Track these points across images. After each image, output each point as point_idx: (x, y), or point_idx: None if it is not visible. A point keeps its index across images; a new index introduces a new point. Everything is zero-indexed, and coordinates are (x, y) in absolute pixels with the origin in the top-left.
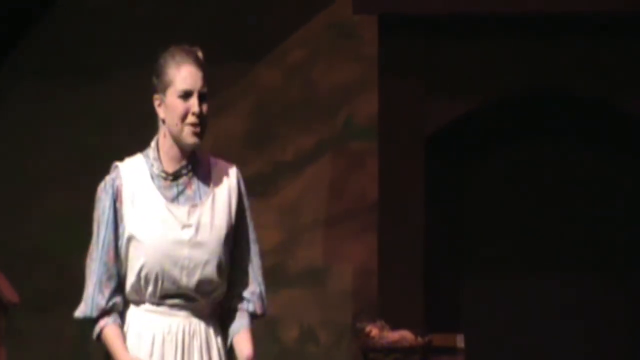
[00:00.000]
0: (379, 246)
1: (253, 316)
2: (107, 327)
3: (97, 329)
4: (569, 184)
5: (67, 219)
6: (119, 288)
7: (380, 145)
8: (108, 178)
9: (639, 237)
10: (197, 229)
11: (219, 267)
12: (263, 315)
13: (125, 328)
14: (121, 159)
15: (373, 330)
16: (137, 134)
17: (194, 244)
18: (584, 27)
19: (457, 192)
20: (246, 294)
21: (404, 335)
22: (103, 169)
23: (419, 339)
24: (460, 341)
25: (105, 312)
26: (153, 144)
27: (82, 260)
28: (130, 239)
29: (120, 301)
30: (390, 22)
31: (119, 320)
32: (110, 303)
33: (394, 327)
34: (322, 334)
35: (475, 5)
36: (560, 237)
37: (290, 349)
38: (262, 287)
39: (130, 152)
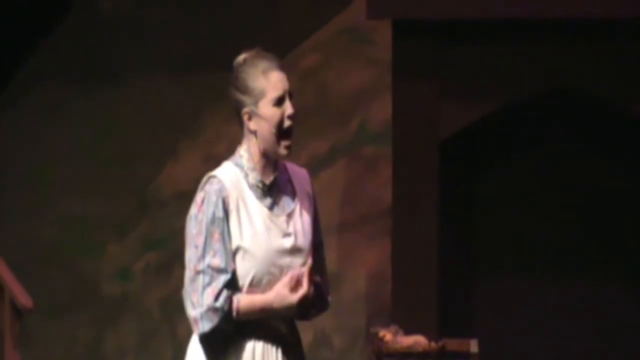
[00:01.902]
0: (393, 251)
1: (323, 305)
2: (237, 301)
3: (234, 314)
4: (582, 189)
5: (81, 224)
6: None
7: (394, 151)
8: (212, 190)
9: None
10: (295, 237)
11: (313, 269)
12: (327, 305)
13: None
14: (138, 164)
15: (387, 335)
16: (151, 138)
17: (294, 251)
18: (597, 31)
19: (471, 197)
20: (324, 289)
21: (417, 340)
22: (117, 175)
23: (433, 344)
24: (474, 346)
25: (230, 300)
26: (245, 153)
27: (95, 265)
28: (238, 250)
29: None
30: (403, 27)
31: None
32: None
33: (408, 332)
34: (336, 338)
35: (488, 10)
36: (573, 241)
37: (305, 354)
38: (328, 285)
39: (146, 157)
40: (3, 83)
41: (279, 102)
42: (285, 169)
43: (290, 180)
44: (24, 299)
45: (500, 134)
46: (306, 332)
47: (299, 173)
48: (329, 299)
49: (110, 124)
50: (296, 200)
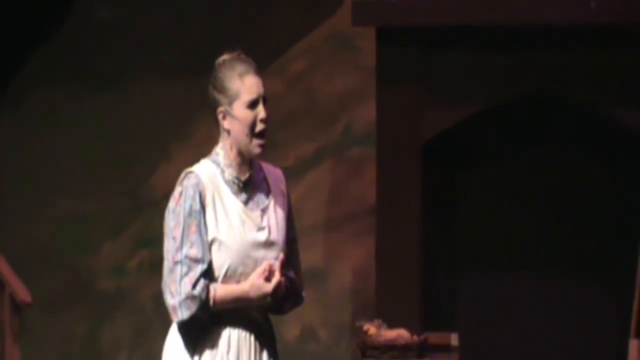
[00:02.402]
0: (377, 248)
1: (297, 299)
2: (214, 290)
3: (210, 302)
4: (559, 188)
5: (78, 222)
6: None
7: (378, 152)
8: (189, 184)
9: (626, 240)
10: (269, 231)
11: (287, 264)
12: (302, 300)
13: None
14: (132, 166)
15: (371, 328)
16: (145, 140)
17: (268, 244)
18: (575, 37)
19: (453, 197)
20: (297, 283)
21: (400, 334)
22: (112, 175)
23: (415, 337)
24: (454, 340)
25: (207, 289)
26: (220, 151)
27: (91, 262)
28: (213, 242)
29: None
30: (388, 33)
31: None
32: (205, 286)
33: (391, 325)
34: (322, 332)
35: (468, 17)
36: (551, 240)
37: (292, 348)
38: (302, 280)
39: (139, 158)
40: (2, 86)
41: (253, 105)
42: (261, 168)
43: (265, 179)
44: (23, 294)
45: (480, 136)
46: (294, 326)
47: (273, 172)
48: (304, 294)
49: (106, 126)
50: (270, 197)
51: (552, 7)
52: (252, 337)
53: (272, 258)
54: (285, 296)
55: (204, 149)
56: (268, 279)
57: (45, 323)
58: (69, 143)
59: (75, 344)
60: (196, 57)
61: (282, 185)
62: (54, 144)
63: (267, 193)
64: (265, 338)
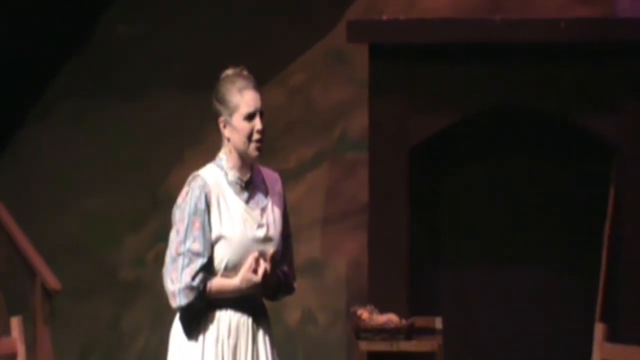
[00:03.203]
0: (369, 242)
1: (289, 288)
2: (210, 282)
3: (207, 292)
4: (532, 189)
5: (102, 219)
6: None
7: (370, 156)
8: (196, 185)
9: (592, 234)
10: (267, 228)
11: (282, 258)
12: (293, 289)
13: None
14: (150, 168)
15: (364, 313)
16: (163, 146)
17: (266, 240)
18: (545, 54)
19: (436, 196)
20: (289, 275)
21: (390, 318)
22: (133, 177)
23: (403, 321)
24: (438, 323)
25: (205, 281)
26: (223, 156)
27: (114, 254)
28: (218, 238)
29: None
30: (379, 49)
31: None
32: (203, 278)
33: (382, 310)
34: (320, 316)
35: (450, 36)
36: (523, 235)
37: (293, 330)
38: (294, 273)
39: (157, 162)
40: (36, 97)
41: (250, 117)
42: (260, 171)
43: (263, 181)
44: (53, 283)
45: (462, 141)
46: (295, 311)
47: (270, 175)
48: (295, 285)
49: (127, 133)
50: (268, 197)
51: (525, 27)
52: (250, 321)
53: (270, 252)
54: (278, 287)
55: (214, 154)
56: (255, 270)
57: (73, 309)
58: (94, 148)
59: (100, 327)
60: (207, 71)
61: (279, 187)
62: (82, 148)
63: (266, 193)
64: (260, 322)
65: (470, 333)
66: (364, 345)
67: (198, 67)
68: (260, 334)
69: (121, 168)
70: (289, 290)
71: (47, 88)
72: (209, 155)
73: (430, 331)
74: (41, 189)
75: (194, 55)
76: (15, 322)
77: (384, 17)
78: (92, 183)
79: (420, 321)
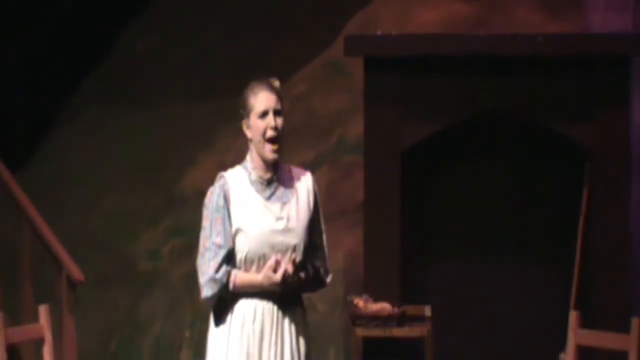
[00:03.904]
0: (365, 237)
1: (319, 282)
2: (234, 275)
3: (230, 285)
4: (513, 189)
5: (121, 216)
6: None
7: (366, 159)
8: (217, 185)
9: (568, 230)
10: (287, 220)
11: (303, 249)
12: (325, 283)
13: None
14: (165, 170)
15: (360, 302)
16: (177, 149)
17: (285, 231)
18: (525, 66)
19: (425, 196)
20: (320, 269)
21: (383, 306)
22: (149, 177)
23: (396, 309)
24: (428, 311)
25: (228, 273)
26: (248, 157)
27: (132, 248)
28: (237, 231)
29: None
30: (373, 62)
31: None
32: (226, 271)
33: (376, 299)
34: (320, 305)
35: (438, 50)
36: (505, 230)
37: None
38: (329, 267)
39: (171, 164)
40: (62, 104)
41: (263, 115)
42: (289, 170)
43: (292, 179)
44: (77, 274)
45: (449, 146)
46: None
47: (302, 173)
48: (328, 279)
49: (144, 137)
50: (294, 193)
51: (506, 41)
52: (275, 308)
53: (291, 242)
54: (304, 282)
55: (223, 157)
56: (276, 270)
57: (95, 298)
58: (115, 150)
59: (120, 314)
60: (217, 82)
61: (308, 184)
62: (103, 152)
63: (292, 190)
64: (287, 309)
65: (456, 320)
66: (360, 331)
67: (209, 79)
68: (287, 321)
69: (139, 170)
70: (320, 283)
71: (72, 97)
72: (218, 157)
73: (420, 318)
74: (67, 189)
75: (205, 67)
76: (42, 310)
77: (378, 33)
78: (113, 183)
79: (410, 309)
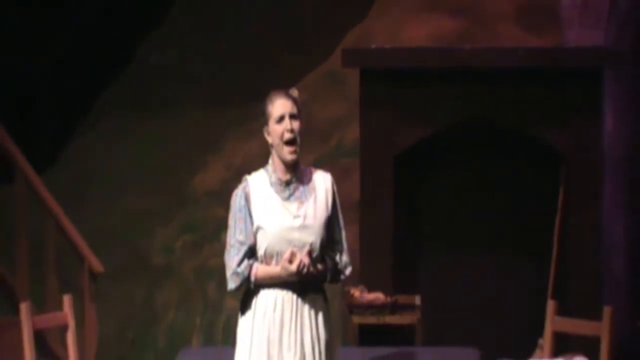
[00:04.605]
0: (361, 233)
1: (337, 273)
2: (256, 268)
3: (252, 278)
4: (496, 188)
5: (138, 213)
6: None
7: (362, 161)
8: (240, 187)
9: (547, 225)
10: (304, 218)
11: (320, 245)
12: (343, 275)
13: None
14: (178, 171)
15: (356, 292)
16: (189, 153)
17: (302, 228)
18: (506, 76)
19: (416, 195)
20: (339, 262)
21: (377, 296)
22: (164, 178)
23: (388, 298)
24: (417, 300)
25: (250, 267)
26: (270, 161)
27: (148, 243)
28: (258, 228)
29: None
30: (368, 73)
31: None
32: (248, 265)
33: (371, 290)
34: None
35: (428, 61)
36: (489, 227)
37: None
38: (348, 260)
39: (184, 166)
40: (84, 112)
41: (280, 120)
42: (310, 172)
43: (312, 180)
44: (97, 266)
45: (439, 149)
46: None
47: (322, 175)
48: (347, 271)
49: (160, 142)
50: (312, 193)
51: (489, 54)
52: (294, 297)
53: (308, 239)
54: (322, 274)
55: (232, 160)
56: (292, 261)
57: (113, 289)
58: (133, 154)
59: (136, 305)
60: (226, 91)
61: (327, 185)
62: (122, 155)
63: (311, 190)
64: (308, 298)
65: (444, 308)
66: (356, 319)
67: (219, 88)
68: (307, 309)
69: (154, 172)
70: (338, 275)
71: (95, 106)
72: (227, 161)
73: (410, 307)
74: (89, 189)
75: (215, 78)
76: (66, 299)
77: (373, 46)
78: (130, 184)
79: (402, 298)
